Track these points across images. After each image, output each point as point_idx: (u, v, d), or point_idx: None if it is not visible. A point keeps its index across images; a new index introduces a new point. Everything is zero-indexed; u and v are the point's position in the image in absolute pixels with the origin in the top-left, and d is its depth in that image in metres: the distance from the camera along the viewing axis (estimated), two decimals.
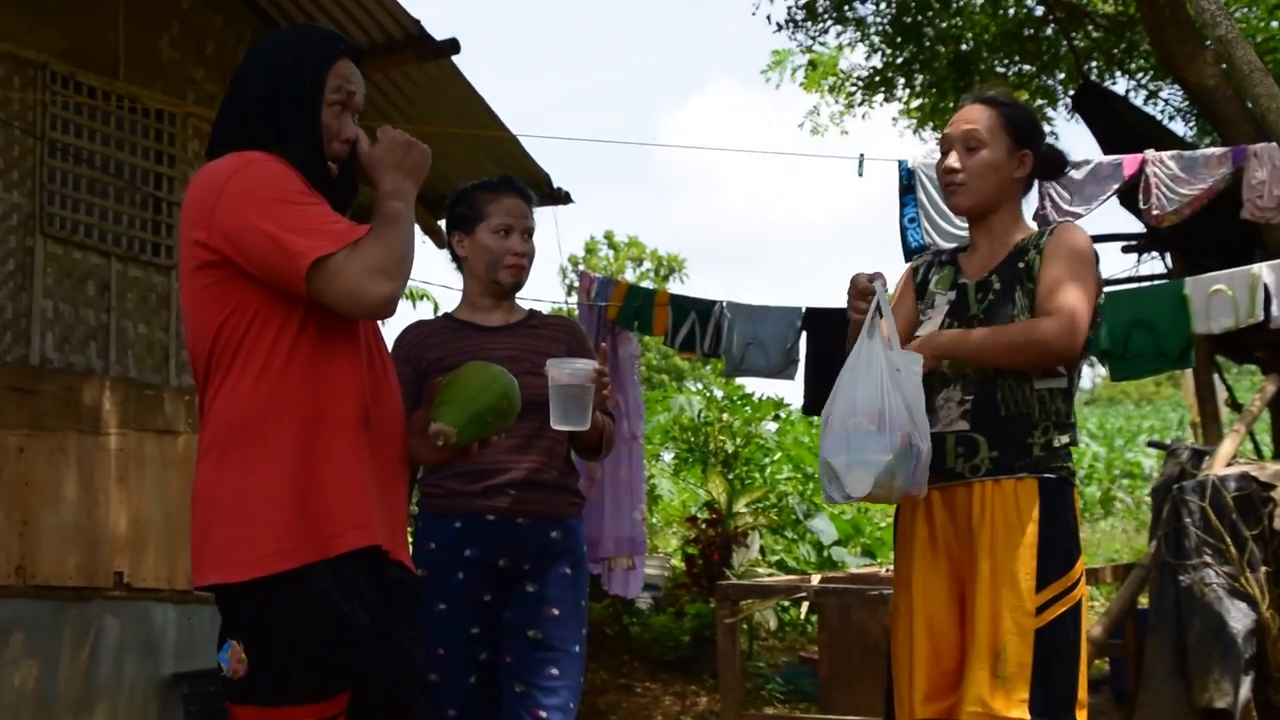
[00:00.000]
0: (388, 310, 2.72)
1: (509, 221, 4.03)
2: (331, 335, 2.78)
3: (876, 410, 3.37)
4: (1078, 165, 7.27)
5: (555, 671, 3.86)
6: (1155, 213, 7.12)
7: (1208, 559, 5.39)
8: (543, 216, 4.25)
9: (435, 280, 13.43)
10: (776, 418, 13.96)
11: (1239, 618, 5.27)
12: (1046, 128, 3.87)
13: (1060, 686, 3.46)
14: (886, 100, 13.97)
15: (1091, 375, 24.60)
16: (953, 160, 3.71)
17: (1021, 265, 3.60)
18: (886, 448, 3.34)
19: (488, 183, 4.16)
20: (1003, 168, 3.67)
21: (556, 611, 3.91)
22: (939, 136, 3.86)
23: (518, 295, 4.18)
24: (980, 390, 3.55)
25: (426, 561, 3.91)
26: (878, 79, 13.52)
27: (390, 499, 2.87)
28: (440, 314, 4.27)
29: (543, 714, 3.82)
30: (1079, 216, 7.18)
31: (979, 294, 3.62)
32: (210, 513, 2.71)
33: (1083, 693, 3.51)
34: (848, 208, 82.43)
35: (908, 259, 7.65)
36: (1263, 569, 5.39)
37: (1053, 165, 3.83)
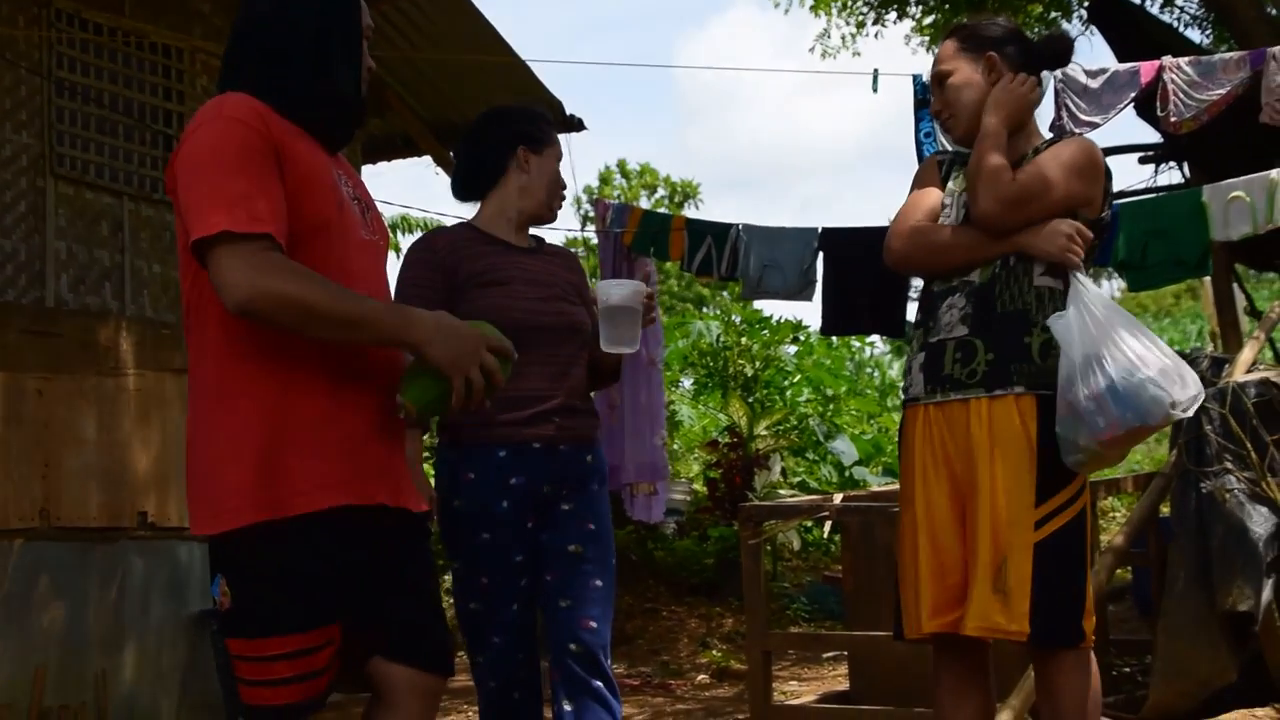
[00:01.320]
0: (238, 308, 2.61)
1: (562, 158, 4.10)
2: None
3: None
4: (1094, 74, 7.20)
5: (599, 583, 3.90)
6: (1173, 120, 7.05)
7: (1229, 465, 5.37)
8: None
9: (448, 210, 13.37)
10: (795, 340, 13.96)
11: (1260, 522, 5.27)
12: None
13: (1063, 599, 3.47)
14: (899, 18, 13.83)
15: (1110, 289, 24.46)
16: (935, 101, 3.79)
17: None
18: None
19: (545, 114, 4.21)
20: (972, 82, 3.69)
21: (593, 527, 3.93)
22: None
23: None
24: (979, 293, 3.57)
25: (466, 492, 3.88)
26: None
27: (396, 446, 2.90)
28: (461, 223, 4.17)
29: (592, 623, 3.85)
30: (1096, 126, 7.11)
31: None
32: (188, 464, 2.81)
33: (1090, 603, 3.52)
34: (868, 128, 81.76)
35: None
36: None
37: (1050, 52, 3.82)
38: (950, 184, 3.76)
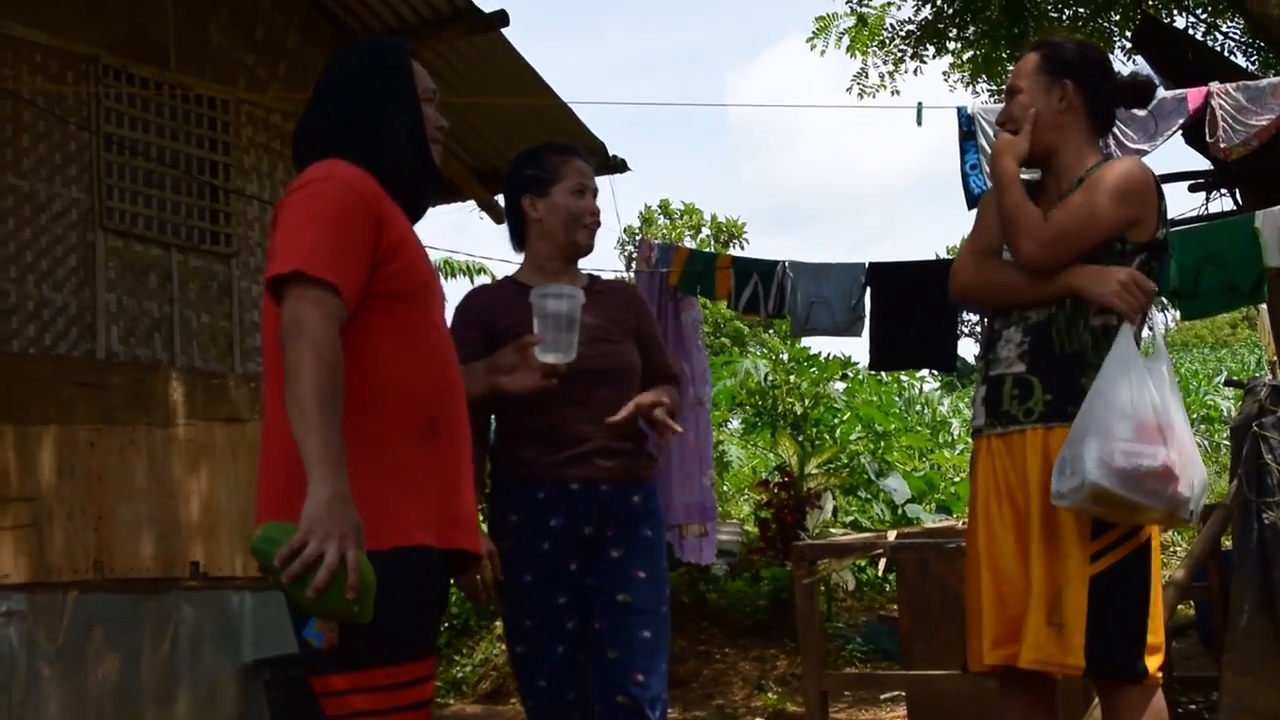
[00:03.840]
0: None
1: (584, 182, 4.03)
2: (403, 331, 2.86)
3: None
4: None
5: (648, 634, 3.84)
6: (1223, 146, 6.98)
7: None
8: (599, 185, 4.23)
9: (493, 255, 13.39)
10: (844, 377, 13.87)
11: None
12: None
13: (1121, 633, 3.41)
14: (937, 54, 13.76)
15: (1164, 320, 24.27)
16: (1002, 112, 3.74)
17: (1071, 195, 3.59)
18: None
19: (553, 145, 4.15)
20: (1041, 105, 3.64)
21: (643, 574, 3.88)
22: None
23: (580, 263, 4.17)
24: (1037, 332, 3.55)
25: (511, 534, 3.89)
26: (928, 30, 13.32)
27: (454, 497, 2.91)
28: (503, 278, 4.22)
29: (640, 677, 3.80)
30: (1144, 154, 7.05)
31: None
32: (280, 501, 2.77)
33: (1154, 638, 3.46)
34: (920, 162, 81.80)
35: (970, 207, 7.56)
36: None
37: (1131, 91, 3.78)
38: None
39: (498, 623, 10.89)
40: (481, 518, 4.10)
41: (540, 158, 4.09)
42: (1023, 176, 3.68)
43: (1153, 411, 3.34)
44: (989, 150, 7.47)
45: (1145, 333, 3.53)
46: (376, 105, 2.97)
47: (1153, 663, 3.44)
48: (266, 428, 2.85)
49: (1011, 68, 3.79)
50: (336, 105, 3.00)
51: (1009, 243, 3.56)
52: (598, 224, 4.04)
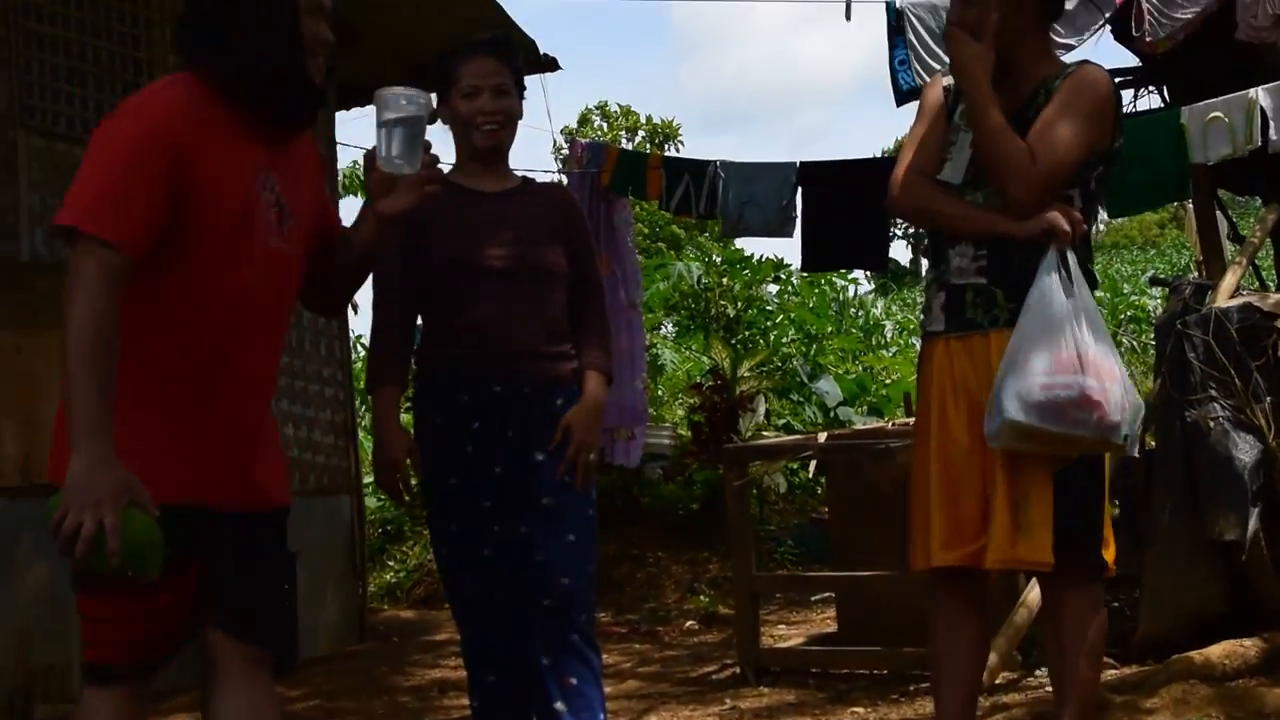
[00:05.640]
0: None
1: (475, 83, 3.95)
2: (190, 277, 2.82)
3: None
4: None
5: (572, 538, 3.86)
6: (1149, 39, 6.95)
7: (1213, 393, 5.33)
8: (533, 85, 4.17)
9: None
10: (777, 279, 13.89)
11: (1246, 450, 5.23)
12: None
13: (1085, 529, 3.46)
14: None
15: (1096, 223, 24.40)
16: (953, 12, 3.64)
17: (1035, 110, 3.54)
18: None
19: (458, 46, 4.08)
20: (1005, 8, 3.54)
21: (567, 478, 3.88)
22: None
23: (510, 163, 4.14)
24: (993, 245, 3.52)
25: (433, 437, 3.91)
26: None
27: (222, 455, 2.89)
28: None
29: (565, 580, 3.83)
30: (1071, 49, 7.03)
31: None
32: None
33: (1108, 531, 3.53)
34: (856, 62, 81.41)
35: (899, 103, 7.52)
36: (1268, 400, 5.33)
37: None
38: (956, 118, 3.67)
39: None
40: (407, 416, 4.11)
41: (442, 63, 4.05)
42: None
43: (1070, 343, 3.35)
44: (917, 45, 7.44)
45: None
46: (248, 14, 2.86)
47: (1108, 555, 3.50)
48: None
49: None
50: (207, 10, 2.91)
51: (993, 178, 3.50)
52: (495, 123, 3.96)
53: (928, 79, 7.23)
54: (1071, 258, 3.45)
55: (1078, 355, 3.35)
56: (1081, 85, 3.53)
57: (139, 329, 2.75)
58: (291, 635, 3.05)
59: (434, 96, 3.90)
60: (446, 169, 4.10)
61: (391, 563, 11.08)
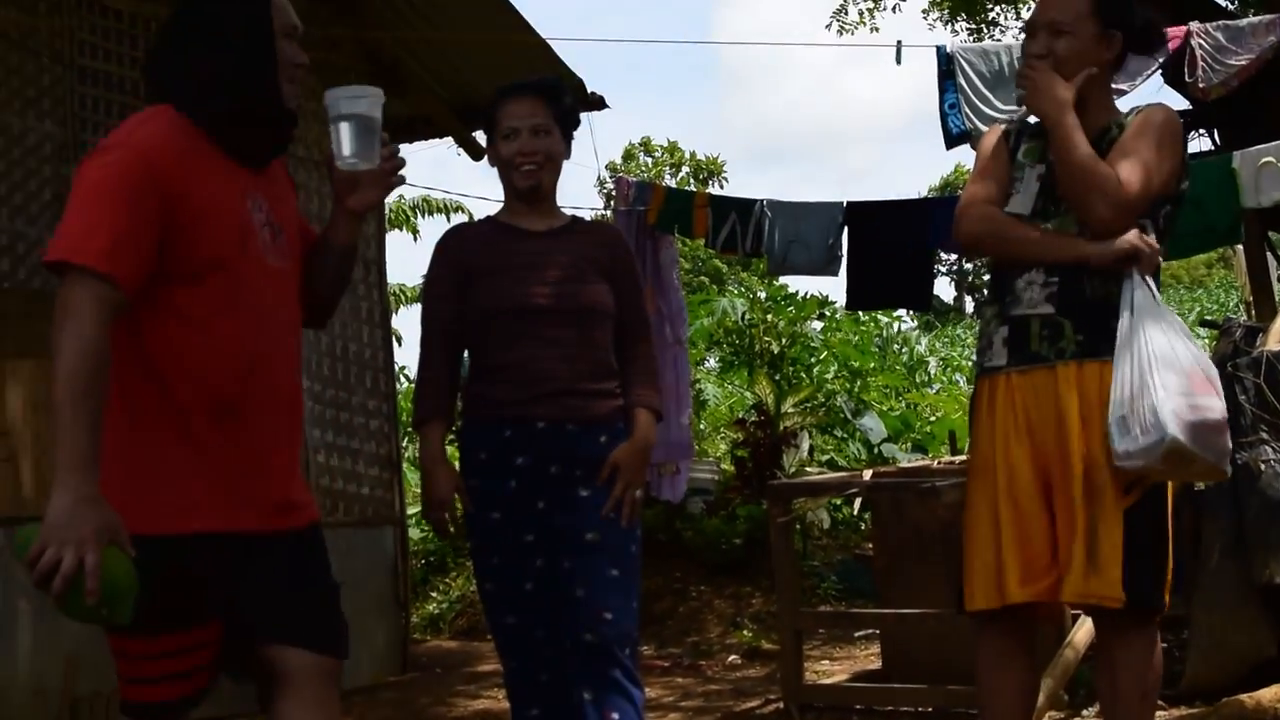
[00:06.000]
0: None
1: (514, 124, 4.01)
2: (196, 307, 2.81)
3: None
4: None
5: (615, 572, 3.87)
6: (1202, 85, 6.97)
7: (1264, 435, 5.32)
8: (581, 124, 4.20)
9: (470, 192, 13.31)
10: (821, 316, 13.87)
11: None
12: None
13: (1152, 566, 3.43)
14: None
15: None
16: (1037, 47, 3.61)
17: (1105, 146, 3.53)
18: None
19: (500, 89, 4.14)
20: (1089, 54, 3.57)
21: (613, 515, 3.90)
22: (1024, 22, 3.73)
23: (559, 202, 4.19)
24: (1065, 273, 3.49)
25: (478, 471, 3.94)
26: None
27: (249, 478, 2.87)
28: (483, 218, 4.27)
29: (608, 615, 3.83)
30: (1123, 93, 7.04)
31: None
32: None
33: (1169, 574, 3.48)
34: (905, 102, 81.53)
35: (949, 147, 7.55)
36: None
37: (1150, 37, 3.73)
38: (1020, 156, 3.68)
39: None
40: (454, 452, 4.14)
41: (490, 106, 4.10)
42: (1011, 119, 3.65)
43: (1195, 361, 3.35)
44: (968, 90, 7.44)
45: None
46: (221, 42, 2.86)
47: (1167, 597, 3.48)
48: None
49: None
50: (180, 40, 2.91)
51: (1080, 202, 3.47)
52: (534, 164, 3.99)
53: (978, 123, 7.29)
54: (1151, 282, 3.45)
55: (1205, 374, 3.35)
56: (1158, 121, 3.54)
57: (159, 358, 2.76)
58: (346, 644, 3.01)
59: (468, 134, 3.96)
60: (495, 209, 4.17)
61: (434, 593, 11.10)
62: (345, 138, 2.99)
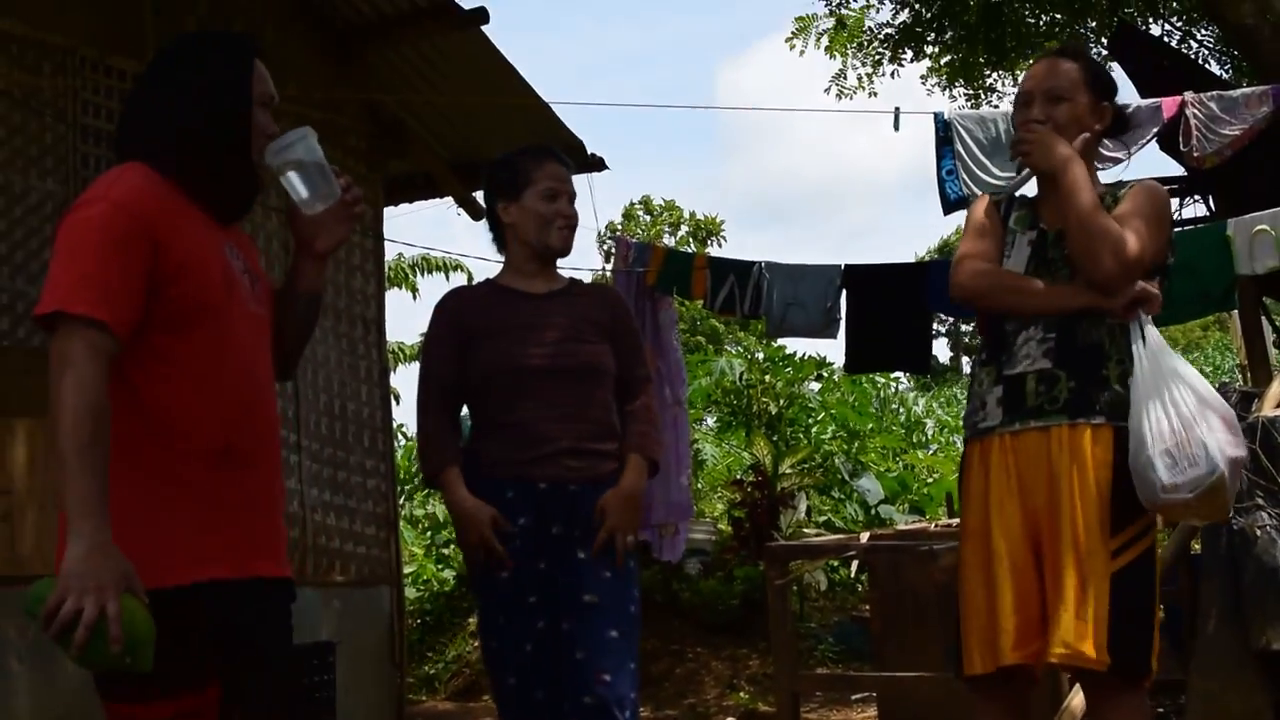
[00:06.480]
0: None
1: (555, 186, 4.07)
2: (189, 356, 2.80)
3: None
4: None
5: (615, 634, 3.88)
6: (1196, 154, 7.03)
7: (1260, 501, 5.32)
8: (578, 185, 4.26)
9: (470, 252, 13.37)
10: (819, 377, 13.91)
11: None
12: None
13: (1138, 631, 3.44)
14: (915, 59, 13.80)
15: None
16: (1035, 113, 3.67)
17: (1106, 206, 3.58)
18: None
19: (528, 149, 4.19)
20: (1084, 122, 3.66)
21: (609, 574, 3.91)
22: (1018, 91, 3.81)
23: (558, 263, 4.20)
24: (1060, 326, 3.54)
25: None
26: (906, 33, 13.35)
27: (255, 523, 2.87)
28: (482, 280, 4.29)
29: (607, 677, 3.83)
30: (1118, 162, 7.09)
31: (1058, 242, 3.61)
32: None
33: (1156, 640, 3.49)
34: (902, 165, 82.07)
35: (946, 212, 7.59)
36: None
37: (1120, 121, 3.82)
38: (1011, 224, 3.74)
39: (470, 619, 10.89)
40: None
41: (513, 163, 4.14)
42: (1005, 186, 3.70)
43: (1219, 402, 3.41)
44: (965, 156, 7.49)
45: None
46: (199, 104, 2.88)
47: (1154, 664, 3.48)
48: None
49: (1037, 68, 3.75)
50: (156, 97, 2.92)
51: (1086, 253, 3.50)
52: (572, 226, 4.08)
53: (974, 188, 7.34)
54: (1151, 329, 3.49)
55: (1231, 414, 3.41)
56: (1151, 196, 3.62)
57: (154, 409, 2.74)
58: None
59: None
60: (494, 269, 4.20)
61: (430, 654, 11.07)
62: (297, 185, 2.98)
